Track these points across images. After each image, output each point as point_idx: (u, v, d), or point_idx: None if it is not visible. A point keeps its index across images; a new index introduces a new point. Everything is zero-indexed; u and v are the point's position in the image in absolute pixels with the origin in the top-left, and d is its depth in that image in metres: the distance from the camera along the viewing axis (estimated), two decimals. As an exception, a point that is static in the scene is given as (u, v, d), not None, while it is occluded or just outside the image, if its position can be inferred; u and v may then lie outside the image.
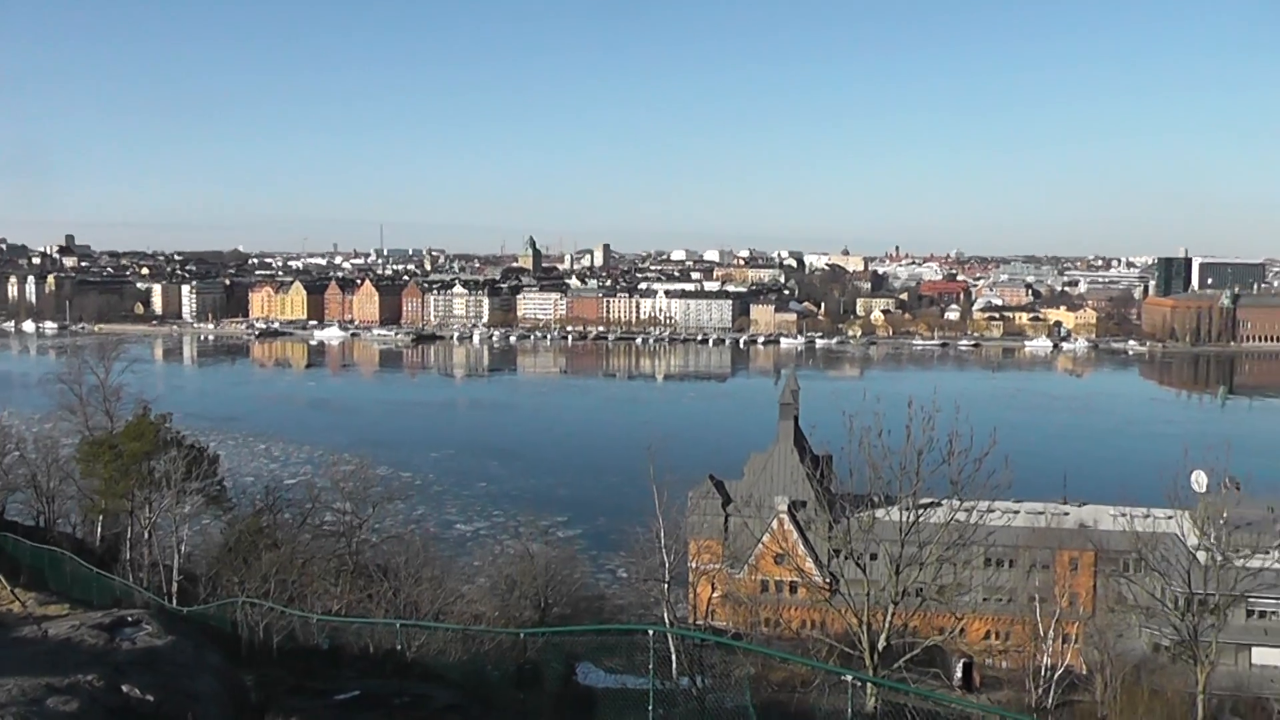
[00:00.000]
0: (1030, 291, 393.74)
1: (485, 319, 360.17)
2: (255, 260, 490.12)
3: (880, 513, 32.52)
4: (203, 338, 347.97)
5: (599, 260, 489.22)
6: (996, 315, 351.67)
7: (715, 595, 60.92)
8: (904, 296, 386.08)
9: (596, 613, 60.61)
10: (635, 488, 48.86)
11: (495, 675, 22.35)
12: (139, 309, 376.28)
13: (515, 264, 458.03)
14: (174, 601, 36.45)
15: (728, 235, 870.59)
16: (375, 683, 20.74)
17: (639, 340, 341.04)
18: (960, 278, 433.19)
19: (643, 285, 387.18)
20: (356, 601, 35.81)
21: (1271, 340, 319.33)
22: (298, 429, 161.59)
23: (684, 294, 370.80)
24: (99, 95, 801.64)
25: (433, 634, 24.48)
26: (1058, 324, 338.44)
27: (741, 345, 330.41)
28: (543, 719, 20.08)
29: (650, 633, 16.57)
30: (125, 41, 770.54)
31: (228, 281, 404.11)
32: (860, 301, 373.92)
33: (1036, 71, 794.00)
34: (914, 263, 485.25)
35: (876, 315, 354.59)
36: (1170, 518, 57.25)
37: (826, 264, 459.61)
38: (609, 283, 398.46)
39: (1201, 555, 49.78)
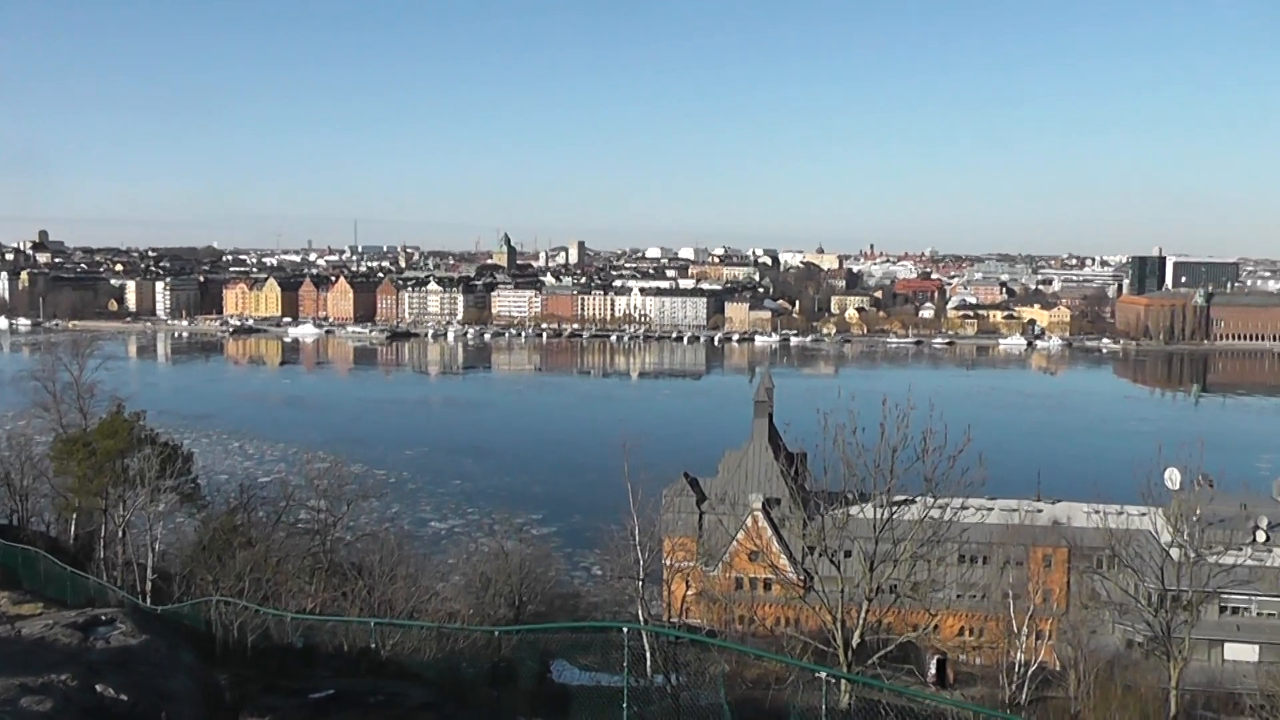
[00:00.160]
0: (1004, 290, 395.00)
1: (460, 316, 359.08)
2: (230, 257, 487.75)
3: (854, 510, 32.76)
4: (177, 335, 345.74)
5: (574, 258, 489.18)
6: (971, 313, 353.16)
7: (690, 593, 60.85)
8: (878, 294, 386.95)
9: (571, 610, 60.66)
10: (610, 485, 48.73)
11: (470, 673, 22.33)
12: (113, 306, 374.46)
13: (490, 261, 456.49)
14: (148, 600, 36.23)
15: (703, 233, 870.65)
16: (350, 681, 20.65)
17: (614, 338, 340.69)
18: (935, 276, 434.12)
19: (617, 283, 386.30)
20: (331, 600, 35.62)
21: (1244, 339, 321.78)
22: (272, 426, 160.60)
23: (659, 291, 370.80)
24: (73, 92, 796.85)
25: (407, 632, 24.43)
26: (1032, 322, 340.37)
27: (716, 343, 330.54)
28: (518, 717, 20.09)
29: (625, 630, 16.50)
30: (100, 38, 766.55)
31: (202, 278, 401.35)
32: (835, 299, 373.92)
33: (1012, 71, 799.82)
34: (889, 261, 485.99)
35: (851, 313, 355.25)
36: (1143, 515, 57.46)
37: (801, 262, 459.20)
38: (584, 280, 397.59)
39: (1175, 552, 50.21)
